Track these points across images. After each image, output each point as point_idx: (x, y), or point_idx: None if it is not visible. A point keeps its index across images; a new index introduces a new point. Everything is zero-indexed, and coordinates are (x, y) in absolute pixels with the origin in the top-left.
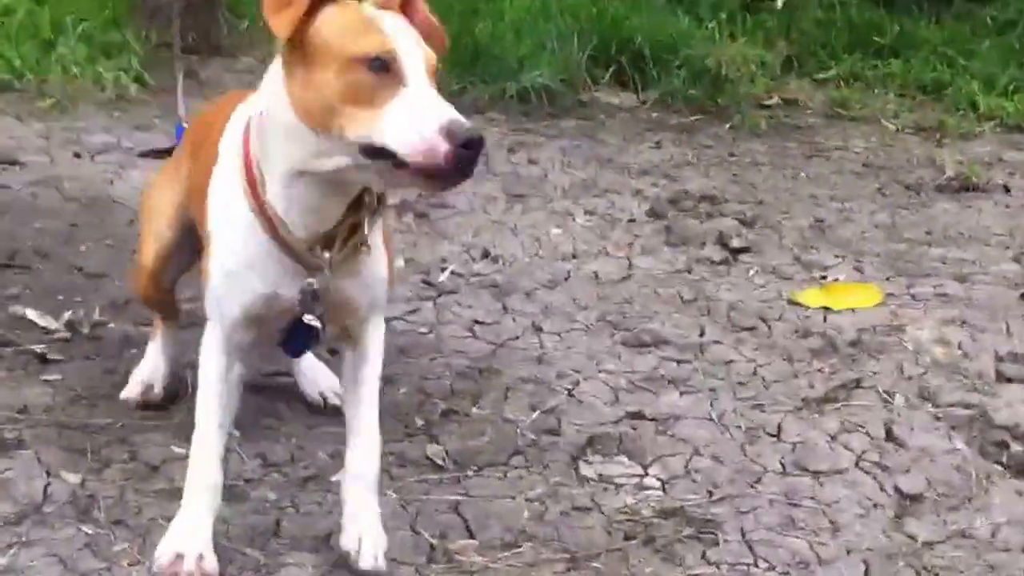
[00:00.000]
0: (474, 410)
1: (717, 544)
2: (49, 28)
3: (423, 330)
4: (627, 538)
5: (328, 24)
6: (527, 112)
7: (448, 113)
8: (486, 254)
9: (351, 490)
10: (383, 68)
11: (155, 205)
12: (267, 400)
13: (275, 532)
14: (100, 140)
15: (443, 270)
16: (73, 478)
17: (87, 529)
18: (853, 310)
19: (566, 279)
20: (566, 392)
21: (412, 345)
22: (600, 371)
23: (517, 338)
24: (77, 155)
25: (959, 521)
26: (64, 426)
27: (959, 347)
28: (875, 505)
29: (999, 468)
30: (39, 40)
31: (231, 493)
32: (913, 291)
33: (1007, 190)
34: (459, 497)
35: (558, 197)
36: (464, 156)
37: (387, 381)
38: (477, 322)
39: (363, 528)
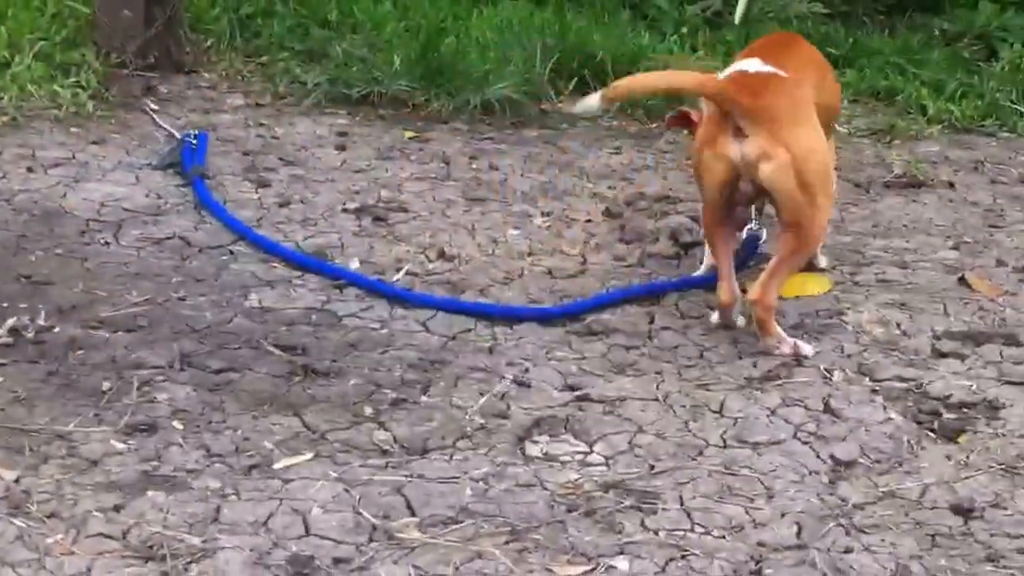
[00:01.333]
0: (423, 398)
1: (655, 512)
2: (5, 47)
3: (375, 325)
4: (568, 511)
5: None
6: (490, 122)
7: None
8: (442, 254)
9: None
10: None
11: None
12: (211, 395)
13: (215, 518)
14: (54, 154)
15: (398, 270)
16: (8, 475)
17: (19, 522)
18: (797, 297)
19: (520, 275)
20: (515, 379)
21: (363, 339)
22: (550, 359)
23: (469, 331)
24: (30, 169)
25: (889, 483)
26: (2, 426)
27: (898, 327)
28: (810, 472)
29: (930, 434)
30: None
31: (171, 483)
32: (856, 278)
33: (951, 186)
34: (403, 479)
35: (517, 200)
36: None
37: (336, 373)
38: (431, 317)
39: None
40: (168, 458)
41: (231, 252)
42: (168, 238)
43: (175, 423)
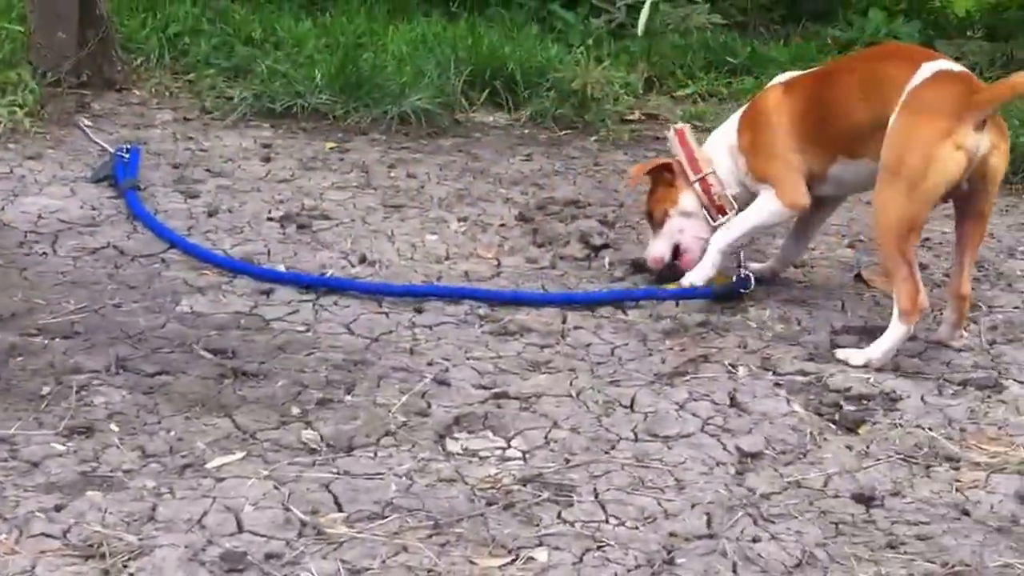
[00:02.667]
0: (348, 398)
1: (572, 505)
2: None
3: (301, 328)
4: (489, 504)
5: None
6: (407, 132)
7: None
8: (363, 259)
9: None
10: None
11: None
12: (146, 397)
13: (151, 517)
14: None
15: (322, 274)
16: None
17: None
18: None
19: (438, 279)
20: (436, 378)
21: (289, 342)
22: (468, 358)
23: (391, 332)
24: None
25: (794, 474)
26: None
27: (798, 323)
28: (718, 464)
29: (831, 426)
30: None
31: (109, 483)
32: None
33: None
34: (331, 476)
35: (434, 207)
36: None
37: (264, 375)
38: (354, 320)
39: None
40: (106, 459)
41: (163, 260)
42: (103, 248)
43: (112, 425)
